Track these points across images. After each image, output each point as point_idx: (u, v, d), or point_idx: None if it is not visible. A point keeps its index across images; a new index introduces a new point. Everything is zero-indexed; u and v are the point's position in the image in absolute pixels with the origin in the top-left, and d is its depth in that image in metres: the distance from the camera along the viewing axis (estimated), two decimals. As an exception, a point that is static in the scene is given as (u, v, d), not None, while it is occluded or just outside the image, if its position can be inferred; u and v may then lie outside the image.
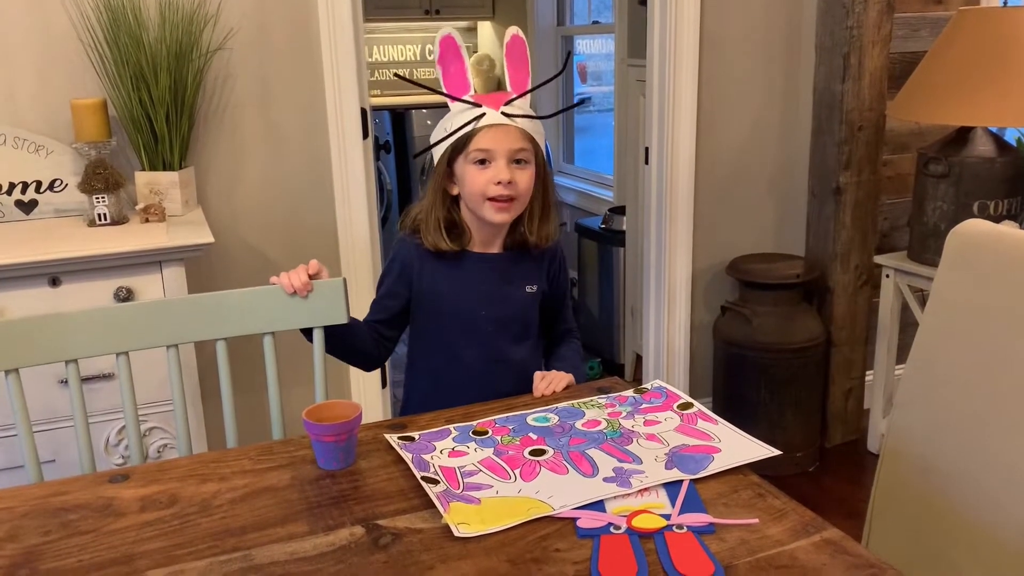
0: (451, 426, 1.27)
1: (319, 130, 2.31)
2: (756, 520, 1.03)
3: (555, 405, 1.35)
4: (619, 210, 3.61)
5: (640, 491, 1.09)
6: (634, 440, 1.22)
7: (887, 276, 2.67)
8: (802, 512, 1.05)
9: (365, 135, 2.36)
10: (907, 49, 2.74)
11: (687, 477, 1.12)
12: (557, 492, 1.09)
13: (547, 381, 1.41)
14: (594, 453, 1.19)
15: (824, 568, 0.94)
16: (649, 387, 1.40)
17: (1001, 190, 2.40)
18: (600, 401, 1.36)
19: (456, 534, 1.00)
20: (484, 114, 1.41)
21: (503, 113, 1.42)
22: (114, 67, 2.04)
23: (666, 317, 2.82)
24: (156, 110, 2.04)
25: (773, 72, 2.76)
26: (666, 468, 1.14)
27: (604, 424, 1.28)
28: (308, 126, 2.31)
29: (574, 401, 1.36)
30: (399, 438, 1.24)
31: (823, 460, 2.79)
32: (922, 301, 2.58)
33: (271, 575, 0.95)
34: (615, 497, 1.07)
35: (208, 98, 2.20)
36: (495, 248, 1.52)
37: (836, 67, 2.63)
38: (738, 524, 1.02)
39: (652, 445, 1.21)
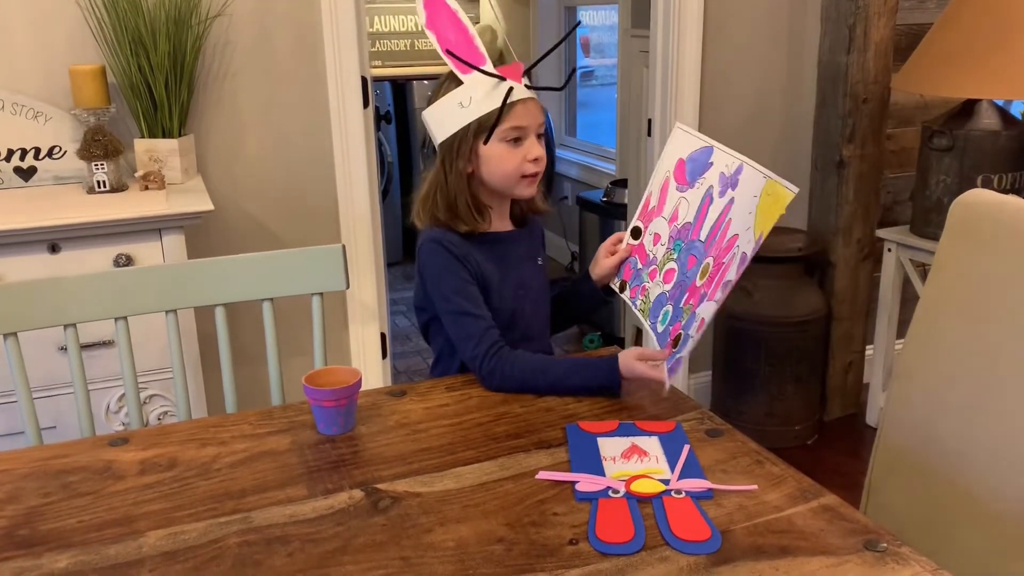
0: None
1: (319, 98, 2.30)
2: (755, 487, 1.03)
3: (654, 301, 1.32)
4: (621, 183, 3.60)
5: (640, 455, 1.10)
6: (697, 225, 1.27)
7: (889, 250, 2.66)
8: (800, 478, 1.05)
9: (366, 104, 2.34)
10: (913, 21, 2.72)
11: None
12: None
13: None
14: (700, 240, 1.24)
15: (821, 533, 0.94)
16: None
17: (1006, 164, 2.38)
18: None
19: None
20: (512, 88, 1.31)
21: (525, 85, 1.35)
22: (112, 33, 2.02)
23: (667, 290, 2.81)
24: (155, 77, 2.02)
25: (777, 43, 2.73)
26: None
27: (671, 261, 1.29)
28: (308, 94, 2.29)
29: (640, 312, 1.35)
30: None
31: (822, 433, 2.79)
32: (924, 275, 2.57)
33: (270, 537, 0.96)
34: (614, 461, 1.08)
35: (208, 65, 2.19)
36: (507, 224, 1.45)
37: (841, 38, 2.60)
38: (737, 491, 1.03)
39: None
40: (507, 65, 1.36)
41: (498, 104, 1.30)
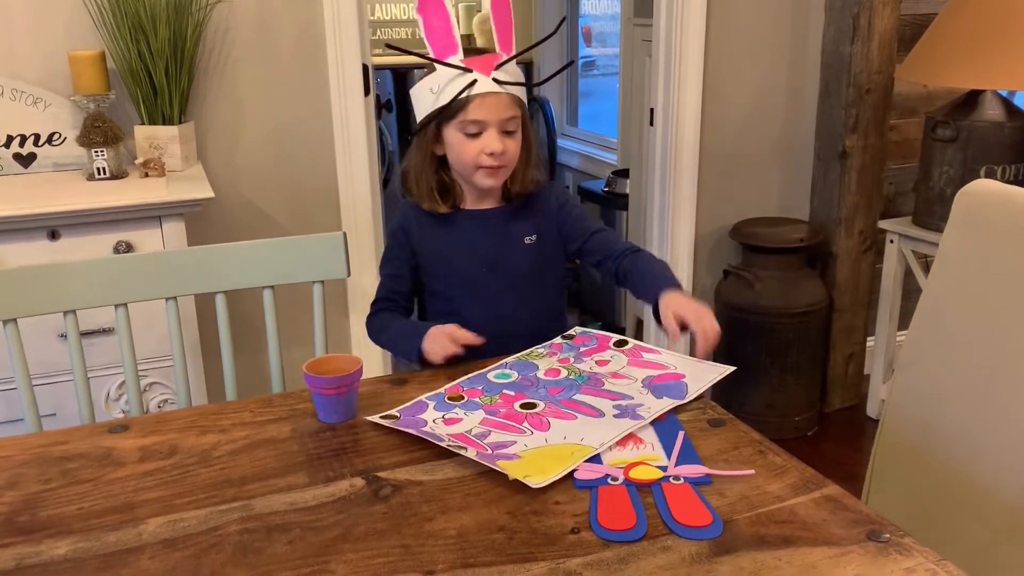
0: (423, 398, 1.23)
1: (320, 86, 2.29)
2: (752, 471, 1.03)
3: (503, 360, 1.34)
4: (623, 173, 3.59)
5: (636, 442, 1.09)
6: (604, 380, 1.26)
7: (891, 241, 2.66)
8: (803, 469, 1.05)
9: (367, 92, 2.33)
10: (918, 11, 2.70)
11: (680, 402, 1.19)
12: (585, 434, 1.10)
13: (701, 330, 1.29)
14: (582, 398, 1.20)
15: (824, 523, 0.94)
16: (574, 333, 1.43)
17: (1009, 155, 2.37)
18: (540, 351, 1.37)
19: (532, 485, 0.99)
20: (475, 81, 1.35)
21: (494, 79, 1.36)
22: (112, 18, 2.01)
23: (668, 280, 2.81)
24: (155, 63, 2.01)
25: (781, 32, 2.71)
26: (657, 398, 1.20)
27: (565, 372, 1.29)
28: (309, 82, 2.28)
29: (518, 355, 1.36)
30: (381, 418, 1.17)
31: (822, 425, 2.79)
32: (926, 267, 2.56)
33: (271, 524, 0.95)
34: (611, 449, 1.08)
35: (208, 52, 2.17)
36: (490, 203, 1.48)
37: (845, 28, 2.59)
38: (734, 475, 1.02)
39: (623, 382, 1.25)
40: (478, 56, 1.37)
41: (460, 95, 1.35)
